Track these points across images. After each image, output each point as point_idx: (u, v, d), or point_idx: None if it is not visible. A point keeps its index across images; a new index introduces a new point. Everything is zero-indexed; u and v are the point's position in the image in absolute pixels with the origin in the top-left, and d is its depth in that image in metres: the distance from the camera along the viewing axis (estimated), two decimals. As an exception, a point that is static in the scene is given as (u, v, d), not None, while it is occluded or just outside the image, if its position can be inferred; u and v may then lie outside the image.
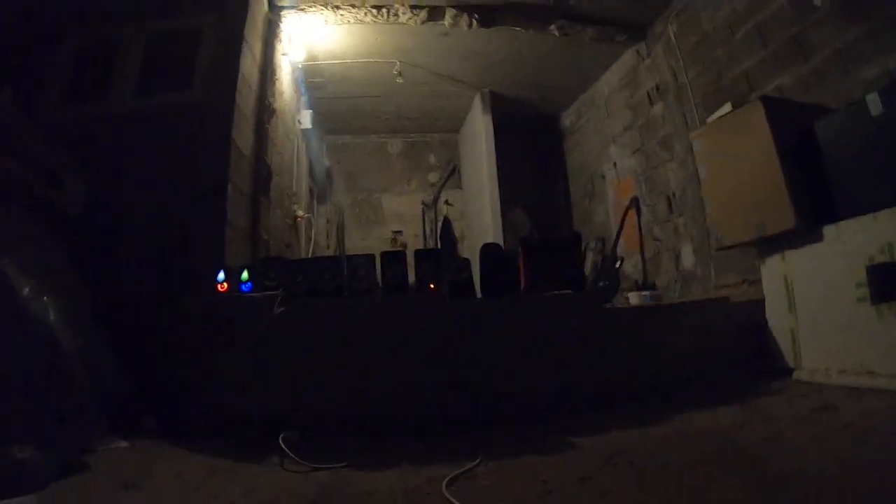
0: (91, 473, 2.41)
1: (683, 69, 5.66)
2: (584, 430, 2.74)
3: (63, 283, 2.86)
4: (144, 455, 2.67)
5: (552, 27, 6.00)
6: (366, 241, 9.23)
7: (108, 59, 4.87)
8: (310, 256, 7.30)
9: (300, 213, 6.92)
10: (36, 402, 2.40)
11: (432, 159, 9.76)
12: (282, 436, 2.65)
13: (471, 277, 3.59)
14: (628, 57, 6.77)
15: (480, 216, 8.03)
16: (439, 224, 9.34)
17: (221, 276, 3.56)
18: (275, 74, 5.61)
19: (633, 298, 5.51)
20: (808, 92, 4.12)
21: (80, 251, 3.21)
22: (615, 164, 7.35)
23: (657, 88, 6.22)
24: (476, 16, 5.81)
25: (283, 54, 5.88)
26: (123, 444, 2.76)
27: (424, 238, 9.32)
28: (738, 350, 3.70)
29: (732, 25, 4.92)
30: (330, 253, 8.67)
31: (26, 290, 2.53)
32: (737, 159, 3.76)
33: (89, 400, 2.65)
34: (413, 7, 5.74)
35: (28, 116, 3.36)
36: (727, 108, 4.31)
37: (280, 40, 5.72)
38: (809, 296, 3.42)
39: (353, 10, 5.69)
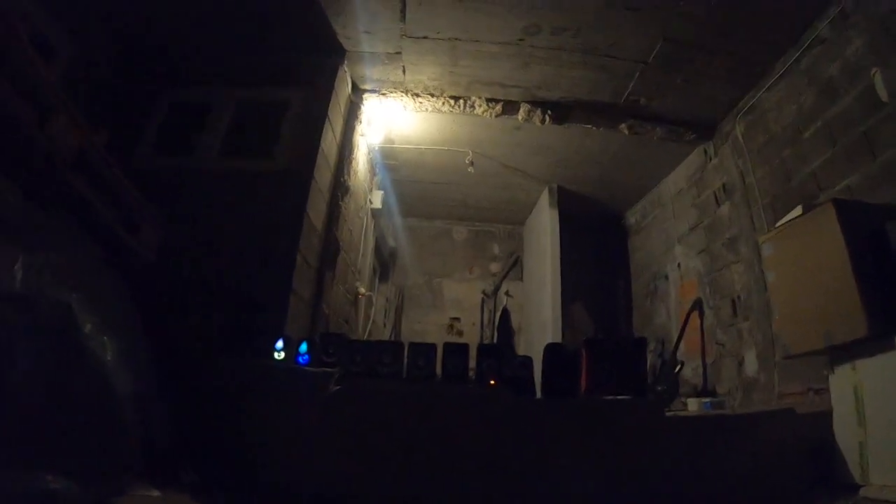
0: None
1: (751, 169, 5.63)
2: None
3: (125, 325, 2.94)
4: None
5: (622, 126, 6.15)
6: (422, 325, 9.27)
7: (198, 119, 5.24)
8: (367, 334, 7.39)
9: (362, 290, 7.03)
10: (80, 436, 2.44)
11: (496, 249, 9.85)
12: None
13: (532, 376, 3.56)
14: (695, 156, 6.80)
15: (540, 310, 7.98)
16: (498, 314, 9.32)
17: (280, 344, 3.64)
18: (352, 154, 5.86)
19: (693, 405, 5.34)
20: (878, 190, 4.03)
21: (147, 298, 3.33)
22: (679, 264, 7.26)
23: (724, 188, 6.19)
24: (549, 112, 6.01)
25: (361, 135, 6.17)
26: (156, 493, 2.75)
27: (482, 327, 9.30)
28: (801, 463, 3.54)
29: (800, 125, 4.89)
30: (386, 332, 8.74)
31: (88, 326, 2.62)
32: (807, 264, 3.69)
33: (132, 444, 2.70)
34: (489, 100, 5.98)
35: (118, 161, 3.53)
36: (798, 210, 4.25)
37: (360, 121, 6.01)
38: (881, 408, 3.26)
39: (431, 99, 5.96)
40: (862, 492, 3.24)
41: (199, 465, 3.12)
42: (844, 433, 3.47)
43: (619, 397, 3.42)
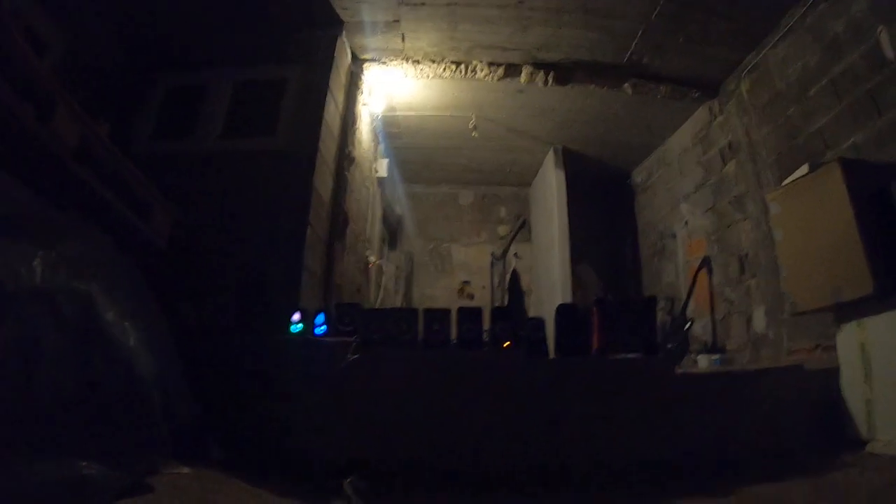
0: (154, 496, 2.44)
1: (756, 127, 5.60)
2: (648, 497, 2.72)
3: (144, 310, 2.99)
4: (207, 484, 2.71)
5: (625, 85, 6.11)
6: (433, 290, 9.32)
7: (198, 101, 5.24)
8: (379, 302, 7.45)
9: (372, 259, 7.08)
10: (109, 421, 2.51)
11: (502, 212, 9.85)
12: (347, 481, 2.69)
13: (545, 336, 3.61)
14: (700, 114, 6.74)
15: (549, 271, 8.01)
16: (507, 276, 9.35)
17: (297, 317, 3.69)
18: (355, 124, 5.85)
19: (702, 361, 5.39)
20: (884, 148, 4.02)
21: (165, 280, 3.40)
22: (686, 222, 7.25)
23: (730, 146, 6.16)
24: (551, 73, 5.96)
25: (364, 105, 6.15)
26: (186, 470, 2.80)
27: (492, 290, 9.34)
28: (809, 419, 3.58)
29: (805, 82, 4.84)
30: (398, 299, 8.79)
31: (110, 314, 2.67)
32: (813, 222, 3.70)
33: (160, 424, 2.76)
34: (491, 64, 5.93)
35: (121, 150, 3.55)
36: (804, 169, 4.22)
37: (361, 91, 5.99)
38: (887, 365, 3.29)
39: (432, 65, 5.92)
40: (869, 447, 3.28)
41: (226, 441, 3.18)
42: (852, 389, 3.52)
43: (630, 355, 3.49)
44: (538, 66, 5.95)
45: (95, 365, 2.53)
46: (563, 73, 5.99)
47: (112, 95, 4.97)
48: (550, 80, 5.99)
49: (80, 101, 3.07)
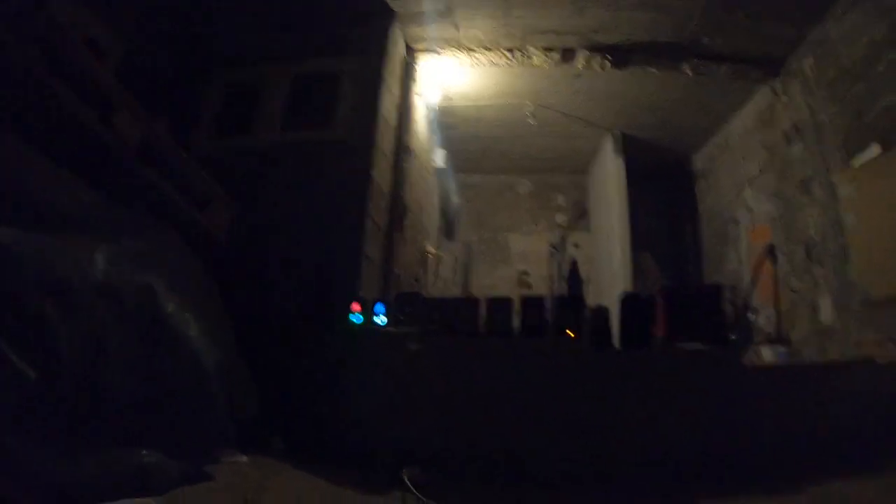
0: (213, 484, 2.56)
1: (822, 106, 5.38)
2: (715, 494, 2.67)
3: (206, 302, 3.09)
4: (266, 473, 2.79)
5: (684, 66, 5.96)
6: (491, 280, 9.29)
7: (254, 97, 5.34)
8: (437, 292, 7.47)
9: (431, 248, 7.11)
10: (172, 411, 2.61)
11: (560, 200, 9.76)
12: (405, 471, 2.71)
13: (609, 326, 3.59)
14: (762, 95, 6.53)
15: (609, 259, 7.92)
16: (566, 265, 9.27)
17: (356, 307, 3.72)
18: (411, 115, 5.89)
19: (766, 353, 5.24)
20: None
21: (225, 274, 3.50)
22: (750, 208, 7.05)
23: (794, 127, 5.93)
24: (608, 57, 5.87)
25: (419, 95, 6.17)
26: (245, 459, 2.89)
27: (551, 279, 9.26)
28: (881, 416, 3.45)
29: (871, 57, 4.62)
30: (456, 289, 8.81)
31: (171, 306, 2.76)
32: (887, 206, 3.55)
33: (222, 414, 2.85)
34: (546, 49, 5.88)
35: (181, 147, 3.67)
36: (874, 149, 4.06)
37: (416, 81, 6.03)
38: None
39: (486, 53, 5.90)
40: (943, 447, 3.15)
41: (287, 431, 3.27)
42: (926, 385, 3.37)
43: (696, 346, 3.42)
44: (595, 49, 5.88)
45: (159, 356, 2.61)
46: (620, 55, 5.90)
47: (172, 95, 5.11)
48: (608, 64, 5.91)
49: (140, 102, 3.19)
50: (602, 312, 3.61)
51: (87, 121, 2.78)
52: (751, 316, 6.46)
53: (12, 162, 2.34)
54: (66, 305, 2.20)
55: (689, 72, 6.00)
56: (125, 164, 3.04)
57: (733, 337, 6.18)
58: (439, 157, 7.36)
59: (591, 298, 8.56)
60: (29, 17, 2.62)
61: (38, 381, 1.97)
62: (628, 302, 3.64)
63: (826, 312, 5.38)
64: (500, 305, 3.62)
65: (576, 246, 9.40)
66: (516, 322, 3.61)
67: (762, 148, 6.69)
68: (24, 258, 2.11)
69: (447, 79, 6.34)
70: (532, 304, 3.62)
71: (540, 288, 9.03)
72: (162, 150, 3.38)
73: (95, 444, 2.22)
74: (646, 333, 3.54)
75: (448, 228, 9.17)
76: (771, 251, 6.40)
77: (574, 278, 9.07)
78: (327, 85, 5.22)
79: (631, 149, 7.90)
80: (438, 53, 5.91)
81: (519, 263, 9.49)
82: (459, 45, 5.86)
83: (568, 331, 3.51)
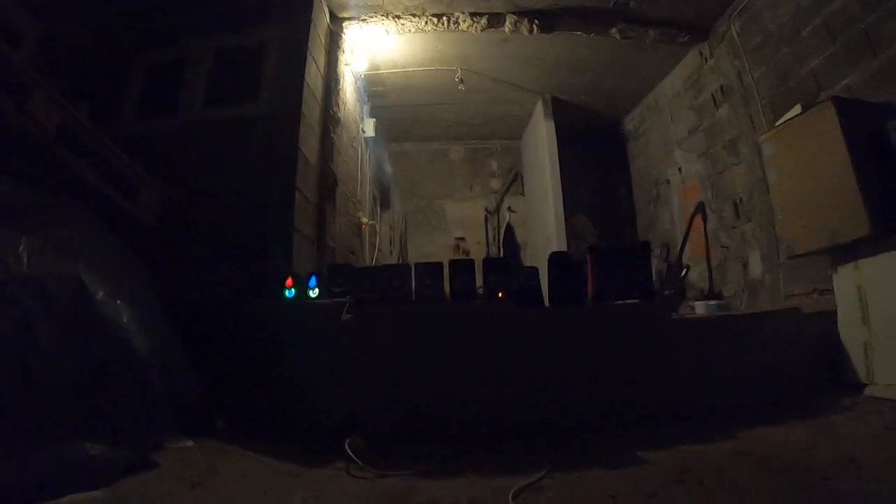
0: (159, 471, 2.51)
1: (748, 69, 5.47)
2: (649, 444, 2.72)
3: (136, 288, 3.02)
4: (212, 455, 2.76)
5: (613, 30, 5.93)
6: (428, 248, 9.29)
7: (177, 74, 5.13)
8: (374, 262, 7.41)
9: (364, 219, 7.02)
10: (109, 401, 2.52)
11: (494, 166, 9.76)
12: (348, 441, 2.70)
13: (539, 286, 3.61)
14: (691, 58, 6.61)
15: (544, 223, 7.97)
16: (502, 231, 9.32)
17: (289, 282, 3.66)
18: (338, 84, 5.73)
19: (700, 308, 5.37)
20: (879, 89, 3.90)
21: (154, 258, 3.42)
22: (680, 168, 7.18)
23: (722, 90, 6.04)
24: (536, 21, 5.79)
25: (346, 65, 6.01)
26: (190, 443, 2.85)
27: (487, 245, 9.32)
28: (807, 363, 3.59)
29: (797, 22, 4.70)
30: (393, 259, 8.77)
31: (100, 294, 2.67)
32: (807, 163, 3.64)
33: (161, 400, 2.78)
34: (473, 14, 5.76)
35: (103, 130, 3.53)
36: (797, 109, 4.15)
37: (343, 51, 5.84)
38: (884, 307, 3.28)
39: (413, 20, 5.76)
40: (867, 390, 3.29)
41: (230, 411, 3.26)
42: (849, 333, 3.52)
43: (626, 302, 3.46)
44: (522, 14, 5.78)
45: (91, 346, 2.54)
46: (548, 20, 5.82)
47: (93, 78, 4.86)
48: (535, 29, 5.82)
49: (60, 86, 3.11)
50: (531, 272, 3.63)
51: (3, 106, 2.66)
52: (683, 272, 6.62)
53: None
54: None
55: (617, 36, 5.97)
56: (43, 149, 2.93)
57: (667, 293, 6.36)
58: (369, 127, 7.23)
59: (529, 262, 8.70)
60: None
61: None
62: (557, 261, 3.67)
63: (755, 267, 5.57)
64: (430, 271, 3.60)
65: (511, 210, 9.44)
66: (447, 287, 3.59)
67: (691, 110, 6.80)
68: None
69: (374, 47, 6.19)
70: (461, 268, 3.60)
71: (477, 254, 9.11)
72: (83, 135, 3.26)
73: (32, 439, 2.17)
74: (576, 291, 3.58)
75: (382, 198, 9.07)
76: (701, 209, 6.55)
77: (510, 242, 9.14)
78: (251, 58, 5.02)
79: (562, 112, 7.91)
80: (365, 21, 5.73)
81: (455, 230, 9.51)
82: (385, 12, 5.69)
83: (498, 293, 3.51)
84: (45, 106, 2.94)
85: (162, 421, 2.80)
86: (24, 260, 2.38)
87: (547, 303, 3.58)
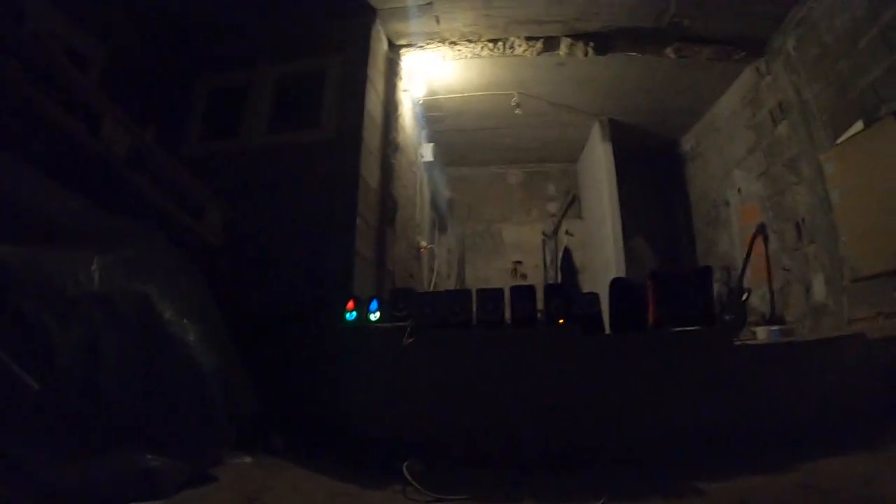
0: (218, 485, 2.60)
1: (806, 84, 5.32)
2: (710, 474, 2.70)
3: (201, 307, 3.11)
4: (269, 471, 2.85)
5: (668, 50, 5.93)
6: (486, 271, 9.34)
7: (240, 99, 5.37)
8: (432, 286, 7.50)
9: (423, 243, 7.13)
10: (172, 415, 2.62)
11: (551, 189, 9.78)
12: (405, 464, 2.75)
13: (600, 312, 3.61)
14: (747, 75, 6.50)
15: (602, 246, 7.94)
16: (560, 254, 9.30)
17: (350, 305, 3.76)
18: (397, 110, 5.89)
19: (761, 333, 5.24)
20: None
21: (220, 276, 3.53)
22: (739, 189, 7.05)
23: (780, 107, 5.89)
24: (591, 43, 5.85)
25: (404, 90, 6.17)
26: (248, 459, 2.95)
27: (545, 268, 9.29)
28: (872, 391, 3.47)
29: (854, 34, 4.55)
30: (451, 282, 8.84)
31: (168, 313, 2.77)
32: (871, 181, 3.57)
33: (222, 416, 2.86)
34: (528, 38, 5.86)
35: (167, 151, 3.68)
36: (858, 125, 4.07)
37: (401, 77, 6.02)
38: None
39: (469, 45, 5.89)
40: (937, 417, 3.17)
41: (287, 429, 3.32)
42: (918, 359, 3.39)
43: (687, 328, 3.43)
44: (577, 37, 5.84)
45: (157, 362, 2.62)
46: (602, 42, 5.87)
47: (158, 101, 5.15)
48: (590, 51, 5.87)
49: (126, 109, 3.21)
50: (592, 299, 3.63)
51: (74, 131, 2.80)
52: (744, 296, 6.49)
53: (2, 175, 2.36)
54: (63, 315, 2.23)
55: (672, 55, 5.97)
56: (115, 174, 3.06)
57: (727, 318, 6.23)
58: (427, 152, 7.36)
59: (586, 286, 8.65)
60: (10, 31, 2.62)
61: (40, 389, 2.00)
62: (618, 287, 3.66)
63: (819, 290, 5.38)
64: (491, 296, 3.64)
65: (568, 234, 9.42)
66: (508, 313, 3.63)
67: (749, 128, 6.67)
68: (22, 271, 2.14)
69: (432, 72, 6.34)
70: (522, 294, 3.63)
71: (534, 277, 9.08)
72: (152, 158, 3.40)
73: (98, 449, 2.26)
74: (636, 318, 3.55)
75: (440, 222, 9.18)
76: (762, 230, 6.42)
77: (567, 266, 9.10)
78: (312, 84, 5.23)
79: (619, 134, 7.91)
80: (422, 48, 5.89)
81: (513, 254, 9.52)
82: (442, 39, 5.84)
83: (559, 319, 3.53)
84: (115, 130, 3.07)
85: (222, 436, 2.88)
86: (96, 278, 2.45)
87: (608, 329, 3.57)
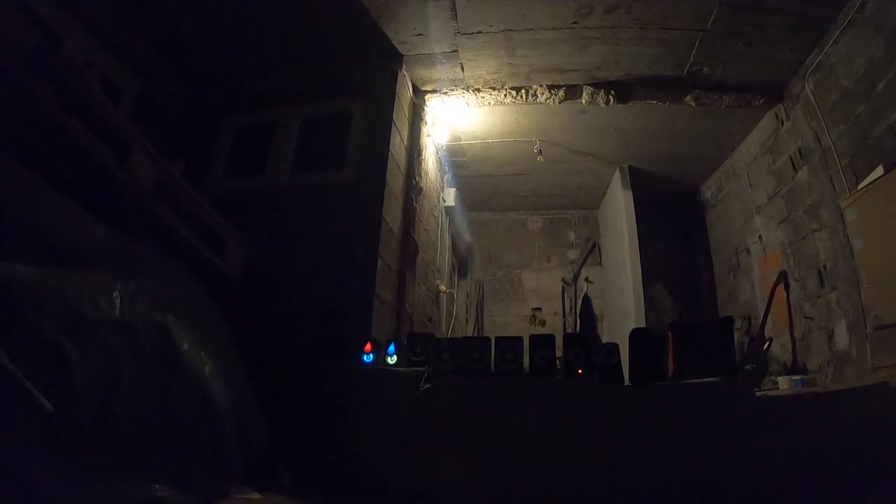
0: None
1: (826, 129, 5.30)
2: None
3: (219, 340, 3.15)
4: None
5: (687, 98, 6.00)
6: (504, 317, 9.33)
7: (266, 137, 5.51)
8: (450, 330, 7.50)
9: (443, 287, 7.15)
10: (182, 446, 2.63)
11: (572, 236, 9.81)
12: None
13: (619, 363, 3.60)
14: (767, 122, 6.54)
15: (621, 294, 7.91)
16: (579, 302, 9.26)
17: (368, 347, 3.77)
18: (421, 155, 6.00)
19: (783, 383, 5.15)
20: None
21: (234, 311, 3.54)
22: (760, 236, 7.02)
23: (800, 153, 5.89)
24: (612, 92, 5.94)
25: (428, 136, 6.30)
26: (256, 496, 2.90)
27: (564, 315, 9.26)
28: (896, 440, 3.41)
29: (871, 77, 4.55)
30: (469, 327, 8.83)
31: (186, 345, 2.79)
32: (893, 228, 3.55)
33: (233, 450, 2.87)
34: (551, 87, 5.97)
35: (195, 187, 3.74)
36: (879, 171, 4.06)
37: (425, 123, 6.14)
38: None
39: (493, 93, 6.01)
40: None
41: (297, 468, 3.30)
42: (943, 409, 3.32)
43: (707, 380, 3.40)
44: (598, 85, 5.95)
45: (172, 393, 2.64)
46: (623, 90, 5.97)
47: (185, 135, 5.31)
48: (612, 99, 5.97)
49: (155, 141, 3.28)
50: (611, 349, 3.61)
51: (103, 160, 2.87)
52: (766, 346, 6.41)
53: (27, 198, 2.41)
54: (82, 340, 2.24)
55: (692, 103, 6.04)
56: (140, 203, 3.12)
57: (748, 367, 6.15)
58: (449, 197, 7.46)
59: (605, 334, 8.61)
60: (47, 57, 2.71)
61: (53, 411, 2.01)
62: (638, 337, 3.64)
63: (841, 338, 5.29)
64: (510, 345, 3.63)
65: (588, 281, 9.40)
66: (527, 361, 3.62)
67: (769, 175, 6.68)
68: (43, 293, 2.16)
69: (455, 118, 6.47)
70: (542, 343, 3.62)
71: (553, 324, 9.06)
72: (177, 190, 3.47)
73: (107, 474, 2.25)
74: (657, 369, 3.53)
75: (461, 267, 9.22)
76: (783, 278, 6.37)
77: (587, 314, 9.05)
78: (337, 126, 5.35)
79: (639, 182, 7.95)
80: (446, 94, 6.03)
81: (532, 300, 9.52)
82: (466, 86, 5.98)
83: (578, 369, 3.52)
84: (144, 162, 3.13)
85: (231, 470, 2.87)
86: (117, 305, 2.47)
87: (627, 379, 3.55)
